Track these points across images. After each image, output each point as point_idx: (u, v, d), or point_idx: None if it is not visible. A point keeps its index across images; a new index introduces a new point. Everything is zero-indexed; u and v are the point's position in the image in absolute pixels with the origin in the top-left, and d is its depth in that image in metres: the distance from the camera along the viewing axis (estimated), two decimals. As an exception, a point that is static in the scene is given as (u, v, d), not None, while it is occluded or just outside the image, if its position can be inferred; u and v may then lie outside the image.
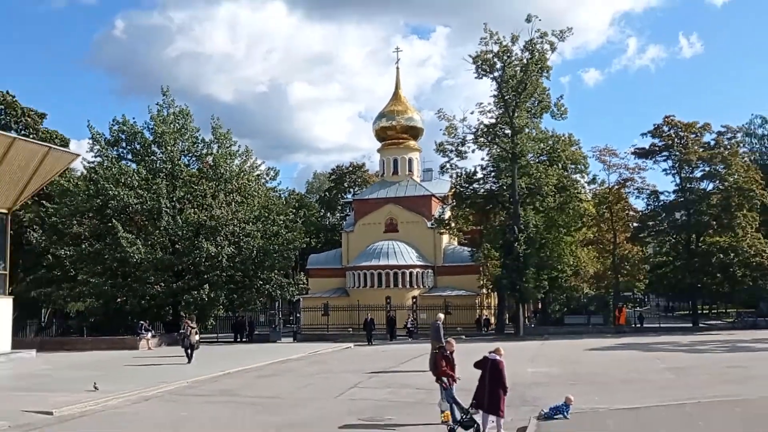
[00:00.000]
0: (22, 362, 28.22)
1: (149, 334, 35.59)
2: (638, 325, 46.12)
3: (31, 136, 44.53)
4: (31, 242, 41.35)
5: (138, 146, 42.30)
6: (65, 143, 48.80)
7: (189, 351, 26.54)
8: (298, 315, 55.68)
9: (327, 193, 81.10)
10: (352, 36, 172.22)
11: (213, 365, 25.67)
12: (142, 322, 36.57)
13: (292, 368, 26.19)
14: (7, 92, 49.81)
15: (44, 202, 41.31)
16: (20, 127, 48.59)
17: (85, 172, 43.53)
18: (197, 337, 26.93)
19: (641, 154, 52.76)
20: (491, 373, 12.79)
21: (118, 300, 39.86)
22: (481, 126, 45.44)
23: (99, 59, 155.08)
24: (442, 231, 53.94)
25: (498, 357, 12.88)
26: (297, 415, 15.89)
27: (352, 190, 78.04)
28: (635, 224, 56.04)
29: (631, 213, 57.61)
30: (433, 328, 20.98)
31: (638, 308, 50.33)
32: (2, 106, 49.70)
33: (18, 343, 31.37)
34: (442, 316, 22.46)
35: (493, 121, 45.44)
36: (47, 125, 51.56)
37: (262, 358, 28.39)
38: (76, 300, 42.69)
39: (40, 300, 43.46)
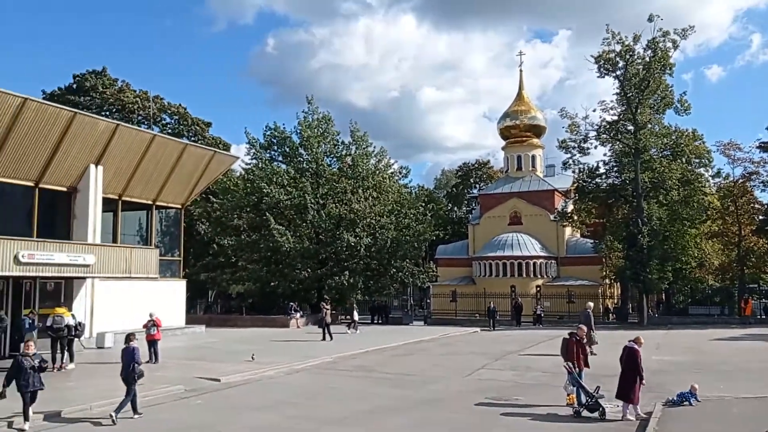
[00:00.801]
0: (193, 336, 30.32)
1: (298, 315, 37.12)
2: (764, 317, 42.57)
3: (199, 142, 47.62)
4: (200, 233, 44.35)
5: (287, 149, 44.15)
6: (227, 148, 51.74)
7: (325, 329, 28.45)
8: (428, 300, 55.93)
9: (454, 189, 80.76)
10: (477, 43, 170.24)
11: (353, 344, 26.42)
12: (291, 303, 38.23)
13: (424, 348, 26.43)
14: (180, 105, 53.57)
15: (210, 197, 44.04)
16: (191, 134, 52.08)
17: (243, 172, 46.01)
18: (329, 319, 29.11)
19: (766, 148, 48.75)
20: (626, 360, 12.51)
21: (271, 283, 41.79)
22: (604, 123, 43.63)
23: (254, 73, 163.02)
24: (564, 224, 52.32)
25: (636, 346, 12.55)
26: (430, 391, 16.06)
27: (477, 185, 77.23)
28: (761, 217, 51.86)
29: (757, 206, 53.63)
30: (584, 315, 21.83)
31: (765, 300, 46.47)
32: (176, 117, 53.53)
33: (190, 319, 33.67)
34: (591, 304, 23.39)
35: (616, 118, 43.47)
36: (212, 132, 54.88)
37: (397, 339, 28.83)
38: (237, 283, 45.25)
39: (207, 283, 46.31)
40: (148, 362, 19.38)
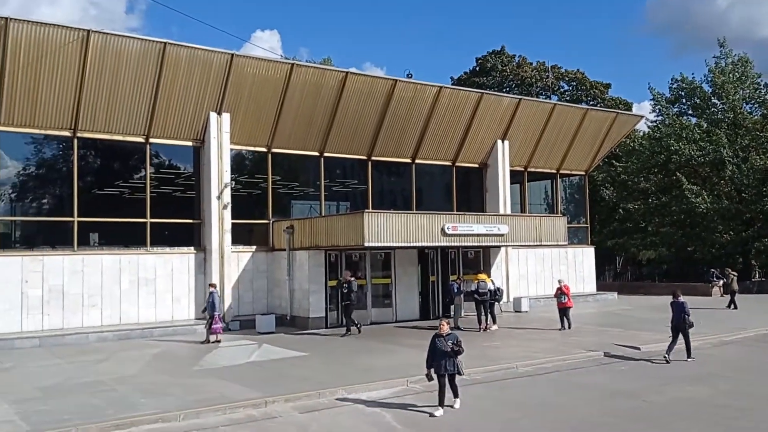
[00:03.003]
0: (605, 303, 30.15)
1: (720, 282, 33.73)
2: None
3: (598, 105, 46.77)
4: (604, 198, 43.59)
5: (697, 100, 40.21)
6: (628, 107, 49.63)
7: (731, 297, 27.15)
8: None
9: None
10: None
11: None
12: (713, 269, 34.89)
13: None
14: (578, 70, 53.30)
15: (613, 161, 42.91)
16: (589, 98, 51.43)
17: (648, 131, 43.56)
18: (736, 286, 27.86)
19: None
20: None
21: (688, 249, 38.91)
22: None
23: (651, 24, 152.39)
24: None
25: None
26: None
27: None
28: None
29: None
30: None
31: None
32: (574, 83, 53.49)
33: (600, 286, 33.58)
34: None
35: None
36: (611, 93, 53.26)
37: None
38: (647, 249, 43.32)
39: (615, 249, 45.38)
40: (561, 329, 20.00)
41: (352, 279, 20.00)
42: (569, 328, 20.13)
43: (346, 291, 19.68)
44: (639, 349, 16.51)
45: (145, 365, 15.24)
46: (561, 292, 20.53)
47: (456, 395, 10.99)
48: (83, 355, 16.69)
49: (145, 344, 18.36)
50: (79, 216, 20.31)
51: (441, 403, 10.68)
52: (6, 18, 17.82)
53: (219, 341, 18.48)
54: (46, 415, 10.56)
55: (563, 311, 20.44)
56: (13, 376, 14.10)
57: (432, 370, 10.76)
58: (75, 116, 19.90)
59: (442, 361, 10.61)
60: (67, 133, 20.18)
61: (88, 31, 19.08)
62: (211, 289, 19.05)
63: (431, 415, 10.49)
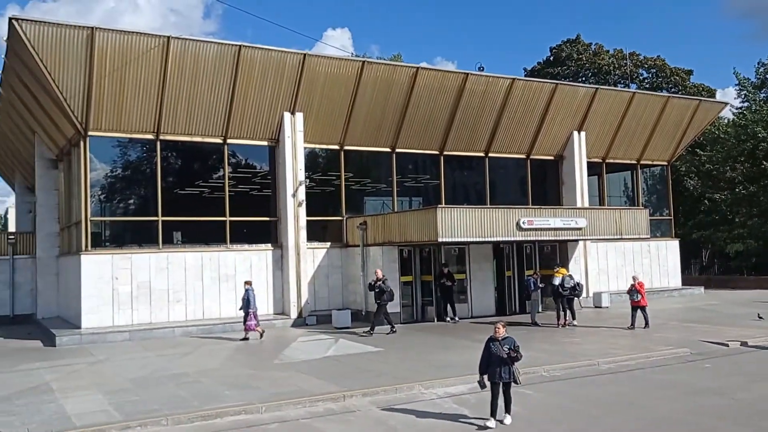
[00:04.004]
0: (691, 297, 29.00)
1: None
2: None
3: (680, 92, 44.94)
4: (688, 189, 41.82)
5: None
6: (711, 94, 47.54)
7: None
8: None
9: None
10: None
11: None
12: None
13: None
14: (658, 57, 51.39)
15: (697, 150, 41.15)
16: (670, 86, 49.50)
17: (732, 118, 41.52)
18: None
19: None
20: None
21: (778, 241, 36.91)
22: None
23: (732, 6, 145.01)
24: None
25: None
26: None
27: None
28: None
29: None
30: None
31: None
32: (654, 70, 51.60)
33: (686, 280, 32.35)
34: None
35: None
36: (693, 80, 51.10)
37: None
38: (735, 241, 41.30)
39: (701, 241, 43.51)
40: (630, 327, 19.12)
41: (385, 278, 19.77)
42: (646, 326, 19.02)
43: (378, 291, 19.37)
44: (727, 345, 15.83)
45: (226, 358, 15.75)
46: (634, 289, 19.58)
47: (508, 409, 9.97)
48: (169, 348, 17.41)
49: (226, 338, 18.97)
50: (163, 215, 21.18)
51: (493, 414, 9.85)
52: (92, 28, 18.73)
53: (248, 339, 18.55)
54: (137, 405, 11.09)
55: (637, 309, 19.41)
56: (106, 368, 14.87)
57: (485, 377, 9.95)
58: (157, 119, 20.74)
59: (497, 368, 9.74)
60: (150, 136, 21.06)
61: (168, 37, 19.83)
62: (246, 286, 19.03)
63: (482, 427, 9.68)
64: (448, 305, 22.03)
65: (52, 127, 22.37)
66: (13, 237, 26.81)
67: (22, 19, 17.94)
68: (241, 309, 19.11)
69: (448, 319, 21.82)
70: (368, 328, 19.32)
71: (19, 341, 19.32)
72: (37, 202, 26.02)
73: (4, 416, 10.58)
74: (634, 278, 20.24)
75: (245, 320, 18.64)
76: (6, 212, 54.49)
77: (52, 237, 25.16)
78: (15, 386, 12.52)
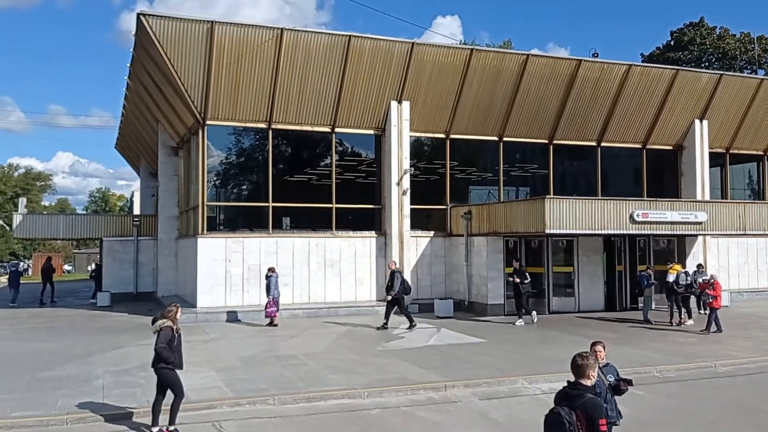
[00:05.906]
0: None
1: None
2: None
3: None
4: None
5: None
6: None
7: None
8: None
9: None
10: None
11: None
12: None
13: None
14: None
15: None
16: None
17: None
18: None
19: None
20: None
21: None
22: None
23: None
24: None
25: None
26: None
27: None
28: None
29: None
30: None
31: None
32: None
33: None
34: None
35: None
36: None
37: None
38: None
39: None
40: (704, 331, 17.64)
41: (398, 270, 19.07)
42: (719, 331, 17.38)
43: (389, 284, 18.58)
44: None
45: (331, 342, 16.12)
46: (709, 289, 18.04)
47: None
48: (277, 330, 18.04)
49: (331, 322, 19.42)
50: (273, 201, 21.92)
51: None
52: (212, 22, 19.59)
53: (276, 325, 18.54)
54: (246, 383, 11.56)
55: (711, 311, 17.79)
56: (219, 347, 15.61)
57: None
58: (270, 109, 21.43)
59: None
60: (263, 125, 21.80)
61: (281, 29, 20.40)
62: (269, 273, 19.01)
63: None
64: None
65: (174, 117, 23.64)
66: (137, 219, 28.69)
67: (149, 15, 19.05)
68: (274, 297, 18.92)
69: (517, 323, 19.03)
70: (408, 324, 18.19)
71: (142, 317, 20.62)
72: (159, 187, 27.64)
73: (126, 387, 11.35)
74: (712, 276, 18.78)
75: (267, 306, 18.75)
76: (132, 196, 58.38)
77: (172, 220, 26.66)
78: (138, 359, 13.38)
